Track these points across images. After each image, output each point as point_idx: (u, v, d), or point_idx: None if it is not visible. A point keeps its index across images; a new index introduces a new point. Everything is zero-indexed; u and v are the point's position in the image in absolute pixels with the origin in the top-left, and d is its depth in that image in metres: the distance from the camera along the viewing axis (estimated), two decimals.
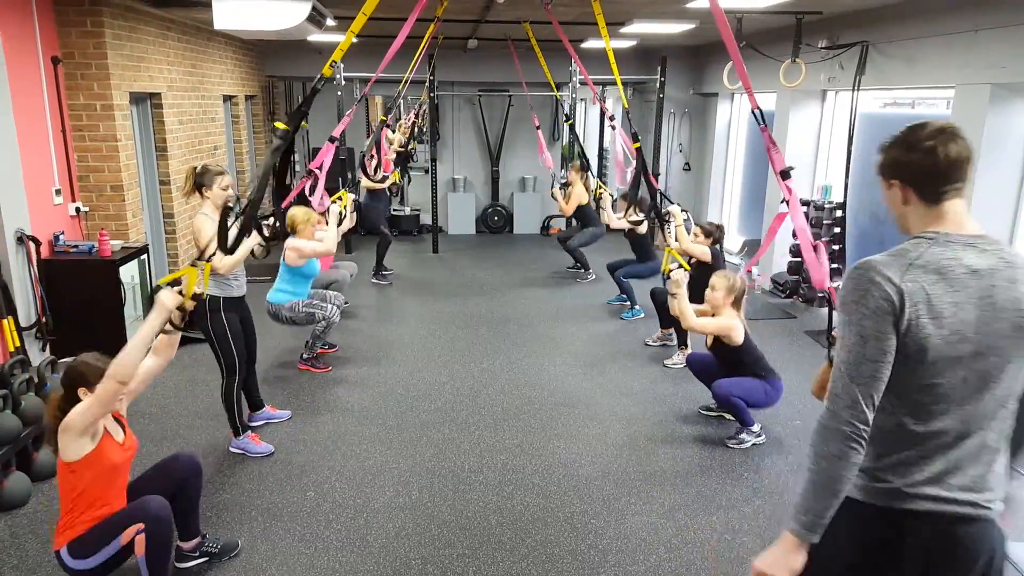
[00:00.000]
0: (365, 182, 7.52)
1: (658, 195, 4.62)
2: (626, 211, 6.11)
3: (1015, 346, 1.59)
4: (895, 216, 1.75)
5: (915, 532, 1.61)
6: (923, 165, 1.64)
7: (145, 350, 2.57)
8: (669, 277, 4.36)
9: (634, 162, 6.21)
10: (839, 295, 1.68)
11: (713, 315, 4.28)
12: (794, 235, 7.08)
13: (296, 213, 5.08)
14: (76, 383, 2.62)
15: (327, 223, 5.01)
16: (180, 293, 2.63)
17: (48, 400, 2.70)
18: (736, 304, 4.28)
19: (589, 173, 8.01)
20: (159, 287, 2.62)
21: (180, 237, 6.59)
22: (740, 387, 4.22)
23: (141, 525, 2.68)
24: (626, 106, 4.67)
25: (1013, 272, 1.60)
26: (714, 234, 5.38)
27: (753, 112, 2.86)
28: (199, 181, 3.84)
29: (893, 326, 1.57)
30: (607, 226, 7.36)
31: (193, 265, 2.72)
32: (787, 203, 2.89)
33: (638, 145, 4.45)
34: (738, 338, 4.19)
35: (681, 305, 4.19)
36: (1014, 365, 1.61)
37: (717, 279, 4.29)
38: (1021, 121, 4.92)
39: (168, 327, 2.63)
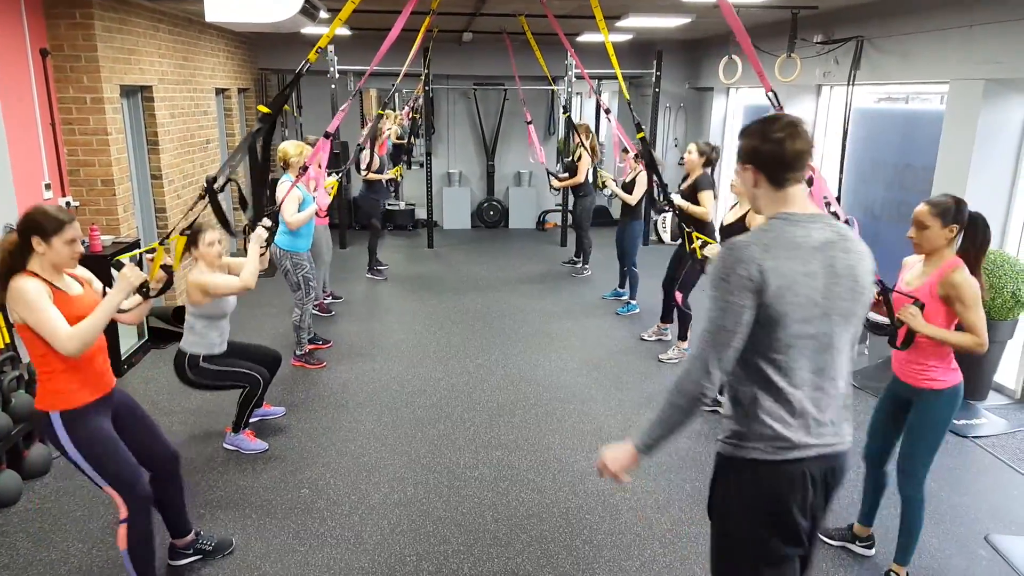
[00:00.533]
0: (365, 174, 7.48)
1: (658, 188, 4.59)
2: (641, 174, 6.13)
3: (851, 306, 1.89)
4: (749, 196, 2.01)
5: (807, 472, 1.91)
6: (772, 154, 1.87)
7: (103, 325, 2.48)
8: (695, 257, 4.31)
9: (631, 153, 6.19)
10: (710, 273, 1.90)
11: (738, 206, 4.31)
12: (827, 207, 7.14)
13: (288, 147, 5.02)
14: (30, 231, 2.45)
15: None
16: (167, 263, 2.58)
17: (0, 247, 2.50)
18: None
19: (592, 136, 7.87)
20: (120, 262, 2.56)
21: (173, 232, 6.55)
22: None
23: (123, 509, 2.64)
24: (627, 98, 4.64)
25: (846, 244, 1.89)
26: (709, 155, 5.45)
27: (768, 95, 2.86)
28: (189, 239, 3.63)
29: (754, 300, 1.81)
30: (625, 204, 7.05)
31: (161, 243, 2.70)
32: (810, 182, 2.89)
33: (642, 135, 4.42)
34: None
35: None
36: (849, 323, 1.90)
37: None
38: (1015, 116, 4.92)
39: (135, 298, 2.58)
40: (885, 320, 2.92)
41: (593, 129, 10.55)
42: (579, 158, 7.71)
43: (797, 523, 1.93)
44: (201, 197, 2.69)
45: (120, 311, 2.63)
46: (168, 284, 2.78)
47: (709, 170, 5.32)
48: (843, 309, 1.88)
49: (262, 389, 4.00)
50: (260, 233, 3.64)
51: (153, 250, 2.68)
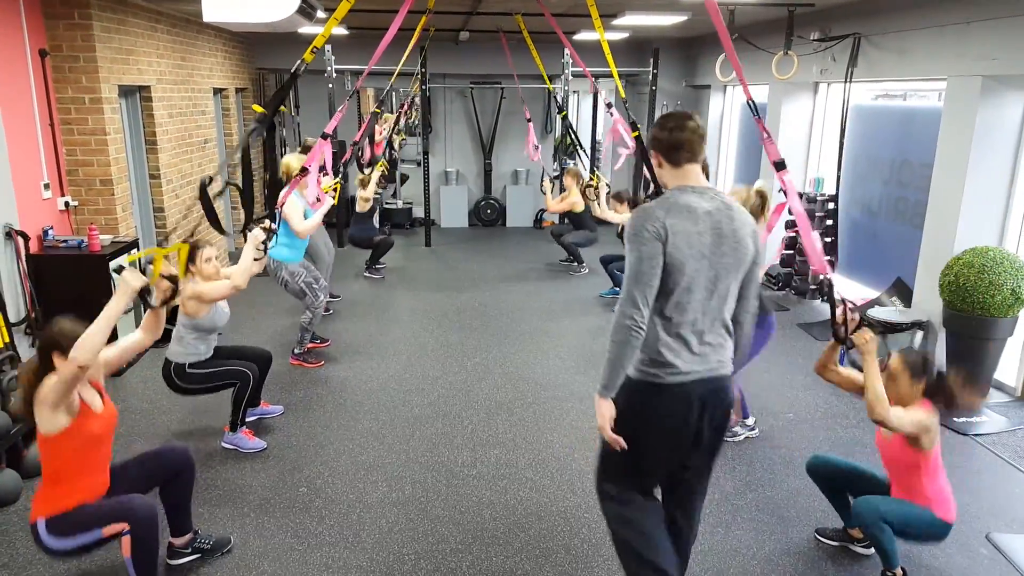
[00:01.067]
0: (359, 204, 7.50)
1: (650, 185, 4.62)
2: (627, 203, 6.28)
3: (732, 262, 2.36)
4: (657, 177, 2.50)
5: (692, 392, 2.39)
6: (667, 141, 2.37)
7: (107, 332, 2.51)
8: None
9: (632, 145, 6.20)
10: (626, 231, 2.36)
11: None
12: (792, 224, 7.15)
13: (291, 161, 5.03)
14: (50, 349, 2.55)
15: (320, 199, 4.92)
16: (172, 273, 2.60)
17: (24, 369, 2.65)
18: (754, 219, 4.19)
19: (578, 163, 7.98)
20: (122, 267, 2.58)
21: (171, 232, 6.54)
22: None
23: (126, 526, 2.66)
24: (623, 96, 4.65)
25: (731, 212, 2.37)
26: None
27: (748, 104, 2.85)
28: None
29: (661, 248, 2.28)
30: (598, 220, 7.37)
31: (160, 245, 2.70)
32: (784, 193, 2.89)
33: (637, 133, 4.43)
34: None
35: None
36: (732, 274, 2.37)
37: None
38: (1012, 113, 4.92)
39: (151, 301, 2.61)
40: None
41: (589, 139, 10.58)
42: (561, 200, 7.93)
43: (683, 434, 2.42)
44: (199, 199, 2.68)
45: (139, 349, 2.76)
46: (173, 294, 2.78)
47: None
48: (727, 263, 2.36)
49: (253, 385, 4.01)
50: (256, 234, 3.61)
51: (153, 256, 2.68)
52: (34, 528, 2.66)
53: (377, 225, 7.77)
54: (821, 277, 3.00)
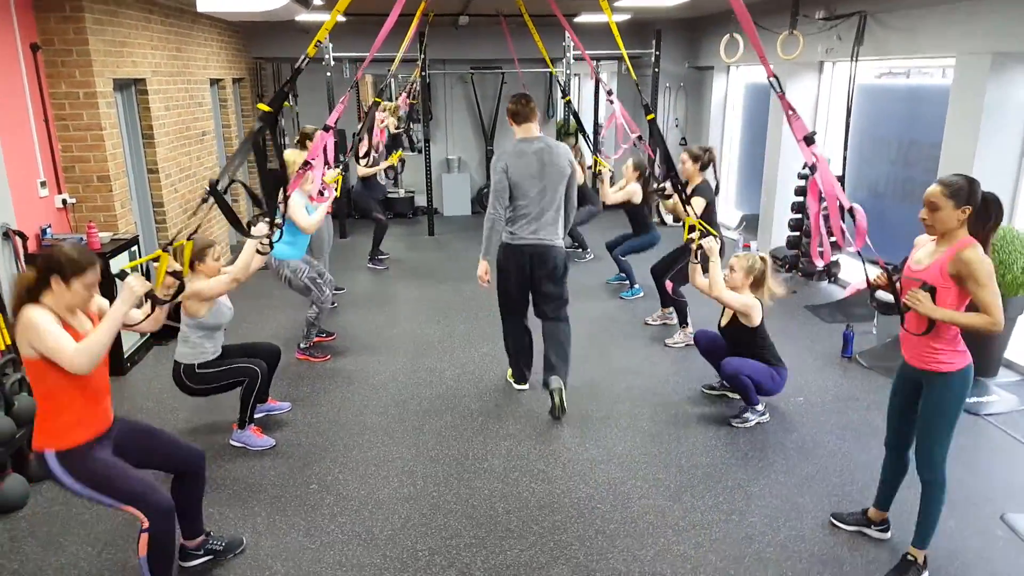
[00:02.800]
0: (359, 170, 7.40)
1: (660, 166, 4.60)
2: (640, 180, 6.44)
3: (554, 180, 4.14)
4: (512, 129, 4.28)
5: (528, 252, 4.21)
6: (514, 111, 4.19)
7: (111, 339, 2.47)
8: (692, 246, 4.16)
9: (633, 136, 6.11)
10: (490, 165, 4.20)
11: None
12: (799, 207, 7.07)
13: (288, 156, 4.95)
14: (51, 270, 2.46)
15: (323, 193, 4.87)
16: (177, 270, 2.55)
17: (18, 281, 2.54)
18: (756, 286, 4.19)
19: (581, 145, 7.91)
20: (124, 272, 2.53)
21: (171, 227, 6.48)
22: (748, 367, 4.18)
23: (145, 522, 2.63)
24: (635, 78, 4.58)
25: (550, 149, 4.15)
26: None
27: (769, 80, 2.79)
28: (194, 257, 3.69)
29: (505, 176, 4.10)
30: (604, 203, 7.30)
31: (165, 250, 2.65)
32: (813, 169, 2.82)
33: (652, 116, 4.36)
34: (756, 319, 4.13)
35: (713, 273, 4.01)
36: (554, 186, 4.15)
37: (736, 260, 4.23)
38: (1021, 90, 4.84)
39: (147, 307, 2.56)
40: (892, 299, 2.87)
41: (591, 122, 10.47)
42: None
43: (524, 276, 4.33)
44: (204, 200, 2.62)
45: (130, 323, 2.61)
46: (180, 290, 2.73)
47: (707, 173, 5.24)
48: (549, 182, 4.18)
49: (262, 382, 3.97)
50: (260, 228, 3.58)
51: (158, 257, 2.62)
52: (41, 457, 2.58)
53: (383, 179, 7.79)
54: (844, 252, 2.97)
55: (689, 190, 5.12)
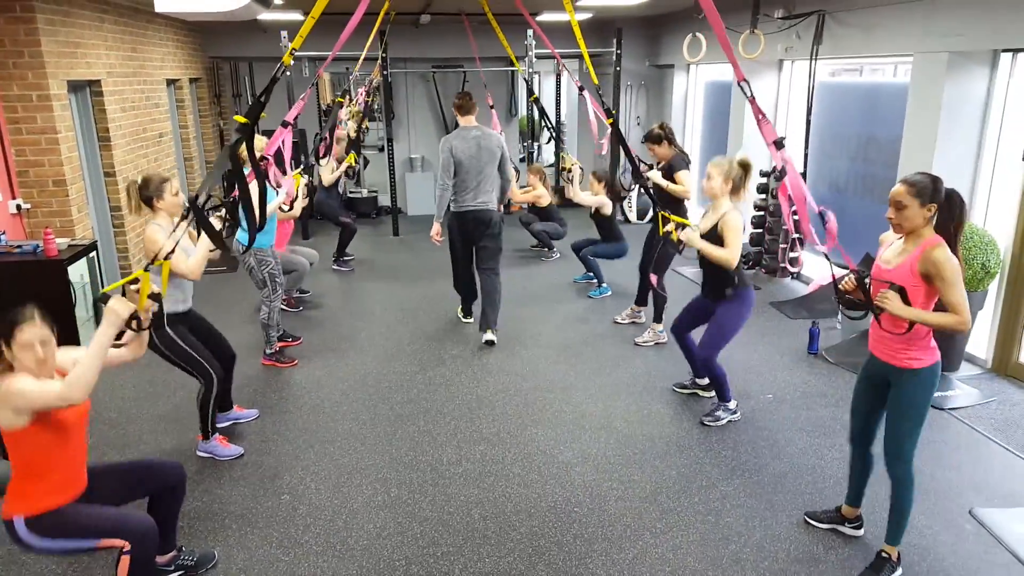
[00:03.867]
0: (324, 176, 7.29)
1: (633, 165, 4.60)
2: (604, 186, 6.56)
3: (487, 158, 5.34)
4: (457, 120, 5.48)
5: (471, 216, 5.44)
6: (458, 105, 5.40)
7: (99, 366, 2.37)
8: (670, 240, 4.15)
9: (609, 130, 6.12)
10: (439, 147, 5.45)
11: (710, 212, 4.07)
12: (761, 207, 7.17)
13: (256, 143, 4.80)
14: None
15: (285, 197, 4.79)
16: (156, 292, 2.47)
17: None
18: (735, 192, 4.00)
19: (561, 150, 7.93)
20: (106, 295, 2.43)
21: (130, 231, 6.32)
22: (718, 334, 4.12)
23: (126, 545, 2.55)
24: (596, 82, 4.57)
25: (487, 136, 5.39)
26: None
27: (740, 85, 2.79)
28: (145, 194, 3.61)
29: (451, 156, 5.27)
30: (567, 204, 7.34)
31: (146, 270, 2.56)
32: (783, 173, 2.84)
33: (611, 120, 4.37)
34: (739, 237, 3.97)
35: (710, 253, 3.92)
36: (488, 164, 5.36)
37: (712, 166, 3.99)
38: (978, 88, 4.97)
39: (131, 331, 2.47)
40: (861, 299, 2.91)
41: (552, 118, 10.49)
42: (525, 192, 7.95)
43: (468, 235, 5.52)
44: (184, 218, 2.54)
45: (113, 354, 2.52)
46: (160, 312, 2.63)
47: (676, 148, 5.29)
48: (484, 159, 5.31)
49: (218, 389, 3.87)
50: (213, 223, 3.56)
51: (137, 280, 2.52)
52: (9, 525, 2.50)
53: (342, 182, 7.67)
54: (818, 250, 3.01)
55: (665, 168, 5.21)
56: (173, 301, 3.70)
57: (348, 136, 7.66)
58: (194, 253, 3.62)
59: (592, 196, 6.55)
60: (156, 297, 2.59)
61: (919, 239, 2.77)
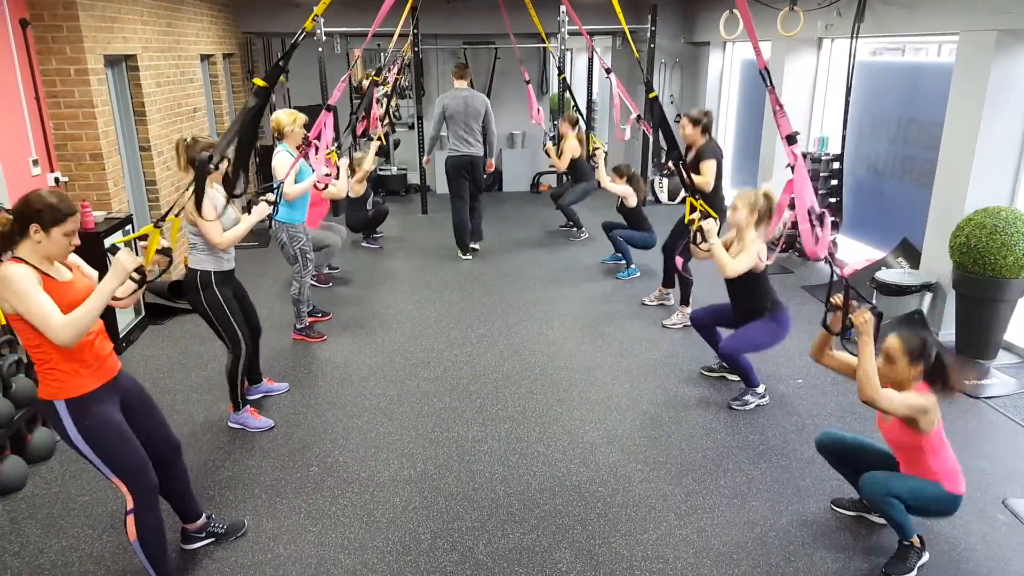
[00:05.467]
0: (353, 187, 7.23)
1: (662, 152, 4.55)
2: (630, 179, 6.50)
3: (473, 114, 6.88)
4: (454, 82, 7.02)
5: (463, 159, 6.99)
6: (455, 73, 7.08)
7: (99, 314, 2.39)
8: (692, 228, 4.14)
9: (633, 115, 6.03)
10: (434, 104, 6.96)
11: (735, 244, 4.11)
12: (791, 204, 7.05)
13: (280, 116, 4.81)
14: (29, 219, 2.36)
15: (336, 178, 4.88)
16: (166, 246, 2.49)
17: None
18: (761, 223, 4.00)
19: (580, 127, 7.87)
20: (116, 247, 2.45)
21: (164, 205, 6.40)
22: (746, 340, 4.13)
23: (129, 500, 2.60)
24: (637, 56, 4.48)
25: (475, 96, 6.92)
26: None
27: (761, 73, 2.73)
28: (191, 155, 3.63)
29: (442, 110, 6.92)
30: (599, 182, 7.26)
31: (156, 226, 2.59)
32: (792, 169, 2.80)
33: (655, 95, 4.29)
34: (761, 265, 3.99)
35: (716, 252, 3.93)
36: (474, 118, 6.88)
37: (738, 199, 4.04)
38: None
39: (132, 282, 2.47)
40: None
41: (584, 99, 10.37)
42: (560, 152, 7.85)
43: (460, 173, 7.01)
44: (201, 177, 2.57)
45: (115, 297, 2.51)
46: (168, 267, 2.68)
47: (709, 137, 5.17)
48: (470, 115, 6.84)
49: (245, 360, 3.94)
50: (263, 208, 3.65)
51: (146, 236, 2.55)
52: (49, 406, 2.49)
53: (371, 194, 7.57)
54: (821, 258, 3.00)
55: (693, 154, 5.10)
56: (219, 261, 3.77)
57: (384, 112, 7.67)
58: (234, 228, 3.68)
59: (615, 185, 6.46)
60: (166, 252, 2.62)
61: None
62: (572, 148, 7.73)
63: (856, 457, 3.17)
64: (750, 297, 4.12)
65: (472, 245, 7.35)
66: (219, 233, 3.64)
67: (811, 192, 2.83)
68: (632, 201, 6.48)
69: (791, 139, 2.79)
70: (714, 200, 4.95)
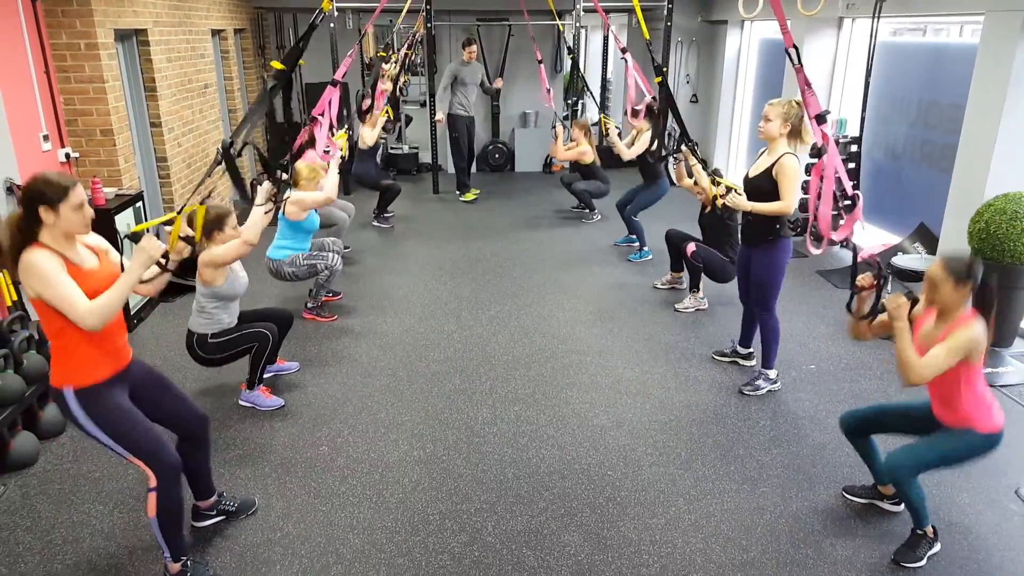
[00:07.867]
0: (364, 136, 7.22)
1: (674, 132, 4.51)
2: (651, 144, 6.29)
3: (471, 80, 8.67)
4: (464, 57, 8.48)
5: (466, 117, 8.73)
6: (463, 45, 8.56)
7: (123, 302, 2.40)
8: (716, 205, 4.22)
9: (648, 97, 5.94)
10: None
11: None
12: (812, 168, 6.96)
13: (301, 168, 4.92)
14: (35, 202, 2.34)
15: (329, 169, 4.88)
16: (189, 235, 2.48)
17: (7, 223, 2.39)
18: (794, 135, 3.82)
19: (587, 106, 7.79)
20: (137, 234, 2.45)
21: (175, 182, 6.39)
22: (767, 292, 4.14)
23: (152, 478, 2.61)
24: (647, 37, 4.40)
25: (475, 66, 8.65)
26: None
27: (787, 51, 2.67)
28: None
29: (452, 74, 8.47)
30: (609, 163, 7.22)
31: (179, 212, 2.59)
32: (819, 150, 2.74)
33: (660, 79, 4.23)
34: (795, 184, 3.88)
35: (755, 208, 3.93)
36: (473, 85, 8.72)
37: (769, 107, 3.82)
38: None
39: (157, 267, 2.48)
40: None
41: (599, 79, 10.24)
42: (569, 149, 7.75)
43: (464, 130, 8.72)
44: (217, 163, 2.55)
45: (140, 282, 2.51)
46: (192, 255, 2.67)
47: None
48: (471, 81, 8.53)
49: (272, 344, 3.94)
50: (266, 186, 3.55)
51: (171, 221, 2.55)
52: (59, 394, 2.53)
53: (380, 148, 7.63)
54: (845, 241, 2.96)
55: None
56: (218, 323, 3.80)
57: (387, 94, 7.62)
58: (249, 220, 3.54)
59: (632, 149, 6.44)
60: (189, 240, 2.62)
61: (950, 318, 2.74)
62: (583, 153, 7.53)
63: (880, 421, 3.09)
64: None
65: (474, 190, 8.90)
66: (233, 247, 3.59)
67: (843, 172, 2.76)
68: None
69: (820, 118, 2.73)
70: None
